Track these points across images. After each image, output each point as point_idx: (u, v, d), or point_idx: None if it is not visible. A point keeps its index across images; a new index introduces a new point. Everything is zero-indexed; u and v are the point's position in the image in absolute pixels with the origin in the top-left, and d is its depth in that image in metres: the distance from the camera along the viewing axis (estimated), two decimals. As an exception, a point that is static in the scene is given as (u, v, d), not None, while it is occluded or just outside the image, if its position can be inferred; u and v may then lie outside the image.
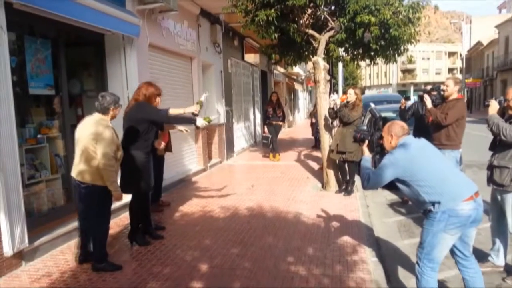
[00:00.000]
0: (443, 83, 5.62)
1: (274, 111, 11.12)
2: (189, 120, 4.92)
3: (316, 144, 13.74)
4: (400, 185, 3.16)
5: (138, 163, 4.50)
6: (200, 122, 4.71)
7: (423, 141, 3.26)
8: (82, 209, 4.04)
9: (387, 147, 3.26)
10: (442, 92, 5.45)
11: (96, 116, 3.98)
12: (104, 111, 3.97)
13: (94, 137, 3.82)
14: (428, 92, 5.68)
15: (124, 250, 4.67)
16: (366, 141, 3.53)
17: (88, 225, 4.10)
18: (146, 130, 4.57)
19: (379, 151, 3.44)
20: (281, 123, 11.33)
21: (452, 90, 5.29)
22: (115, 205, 4.92)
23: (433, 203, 2.96)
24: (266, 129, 11.43)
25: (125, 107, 4.88)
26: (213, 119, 4.75)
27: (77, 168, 3.92)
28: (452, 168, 3.20)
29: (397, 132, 3.16)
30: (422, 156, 3.05)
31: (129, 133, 4.57)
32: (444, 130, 5.17)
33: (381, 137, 3.34)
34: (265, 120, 11.50)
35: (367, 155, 3.45)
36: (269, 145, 11.24)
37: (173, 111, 5.19)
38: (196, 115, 5.13)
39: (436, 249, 2.99)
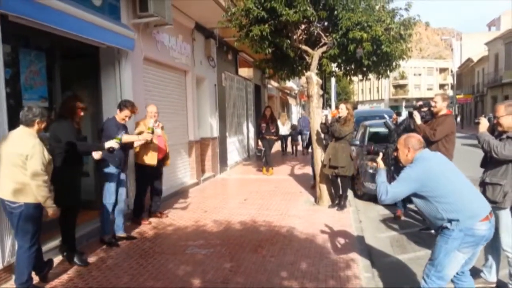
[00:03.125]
0: (432, 98, 5.71)
1: (267, 126, 11.17)
2: (97, 147, 4.80)
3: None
4: (416, 200, 3.10)
5: (62, 177, 4.38)
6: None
7: (439, 155, 3.23)
8: (16, 231, 3.75)
9: (403, 160, 3.19)
10: (431, 108, 5.52)
11: (22, 129, 3.70)
12: (28, 123, 3.68)
13: (22, 153, 3.54)
14: (418, 109, 5.75)
15: (116, 265, 4.62)
16: (381, 154, 3.42)
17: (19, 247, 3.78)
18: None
19: (394, 163, 3.40)
20: (274, 137, 11.38)
21: (440, 106, 5.40)
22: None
23: (450, 221, 2.92)
24: (260, 143, 11.49)
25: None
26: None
27: (5, 188, 3.60)
28: (468, 184, 3.10)
29: (414, 145, 3.12)
30: (441, 171, 3.02)
31: (52, 146, 4.47)
32: (434, 146, 5.22)
33: (396, 149, 3.29)
34: (259, 135, 11.54)
35: (382, 168, 3.29)
36: (262, 157, 11.27)
37: (126, 138, 5.20)
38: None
39: (447, 268, 2.95)
